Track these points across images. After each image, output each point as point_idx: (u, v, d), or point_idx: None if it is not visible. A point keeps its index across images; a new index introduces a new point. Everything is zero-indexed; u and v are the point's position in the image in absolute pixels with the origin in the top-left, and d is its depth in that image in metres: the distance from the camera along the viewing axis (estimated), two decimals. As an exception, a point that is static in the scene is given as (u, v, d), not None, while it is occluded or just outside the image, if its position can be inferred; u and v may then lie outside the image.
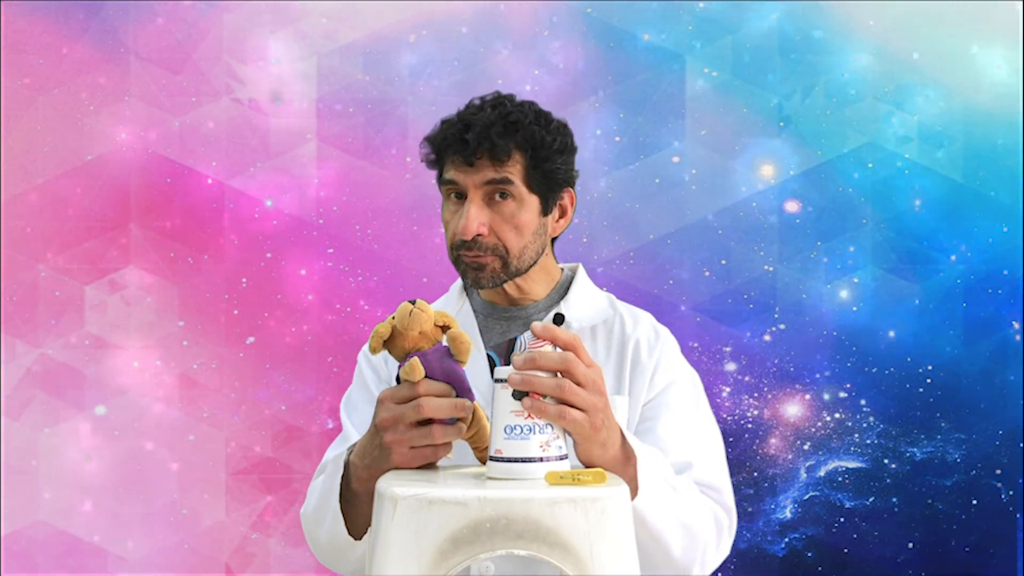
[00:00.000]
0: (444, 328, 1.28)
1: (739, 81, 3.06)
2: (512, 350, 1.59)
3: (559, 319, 1.60)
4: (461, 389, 1.27)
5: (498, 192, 1.53)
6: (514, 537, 1.10)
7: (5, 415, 2.97)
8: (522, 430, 1.20)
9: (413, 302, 1.27)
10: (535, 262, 1.58)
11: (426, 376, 1.26)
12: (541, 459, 1.20)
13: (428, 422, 1.26)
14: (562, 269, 1.69)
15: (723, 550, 1.51)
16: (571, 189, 1.62)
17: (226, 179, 3.04)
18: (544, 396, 1.21)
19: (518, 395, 1.20)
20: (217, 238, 3.04)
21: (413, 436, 1.26)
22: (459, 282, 1.70)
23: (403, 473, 1.26)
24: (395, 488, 1.13)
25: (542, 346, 1.22)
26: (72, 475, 2.98)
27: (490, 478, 1.21)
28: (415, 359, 1.25)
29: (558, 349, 1.23)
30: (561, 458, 1.22)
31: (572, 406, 1.22)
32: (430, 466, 1.30)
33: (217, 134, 3.04)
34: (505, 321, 1.62)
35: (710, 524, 1.46)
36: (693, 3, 3.06)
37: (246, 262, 3.04)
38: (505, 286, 1.59)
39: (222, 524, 3.00)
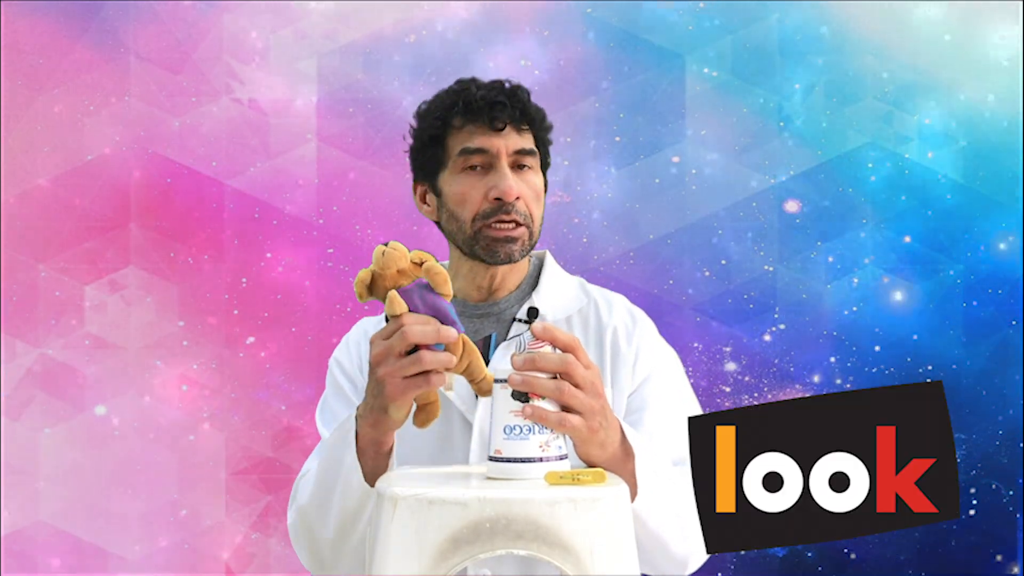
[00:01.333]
0: (421, 264, 1.29)
1: (739, 81, 3.06)
2: (488, 348, 1.58)
3: (533, 313, 1.58)
4: (445, 320, 1.27)
5: (518, 163, 1.53)
6: (514, 537, 1.10)
7: (5, 415, 2.97)
8: (521, 430, 1.20)
9: (386, 244, 1.28)
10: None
11: (409, 311, 1.26)
12: (541, 459, 1.20)
13: (417, 351, 1.25)
14: (530, 257, 1.67)
15: None
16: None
17: (226, 179, 3.04)
18: (542, 396, 1.21)
19: (518, 396, 1.20)
20: (217, 238, 3.03)
21: (403, 364, 1.25)
22: None
23: (403, 473, 1.26)
24: (395, 488, 1.13)
25: (541, 347, 1.22)
26: (72, 475, 2.98)
27: (490, 478, 1.21)
28: (394, 292, 1.26)
29: (557, 350, 1.23)
30: (561, 458, 1.22)
31: (571, 408, 1.22)
32: (431, 414, 1.30)
33: (217, 134, 3.04)
34: (477, 319, 1.61)
35: (705, 519, 1.46)
36: (693, 3, 3.06)
37: (246, 262, 3.04)
38: (491, 273, 1.59)
39: (222, 524, 3.00)
